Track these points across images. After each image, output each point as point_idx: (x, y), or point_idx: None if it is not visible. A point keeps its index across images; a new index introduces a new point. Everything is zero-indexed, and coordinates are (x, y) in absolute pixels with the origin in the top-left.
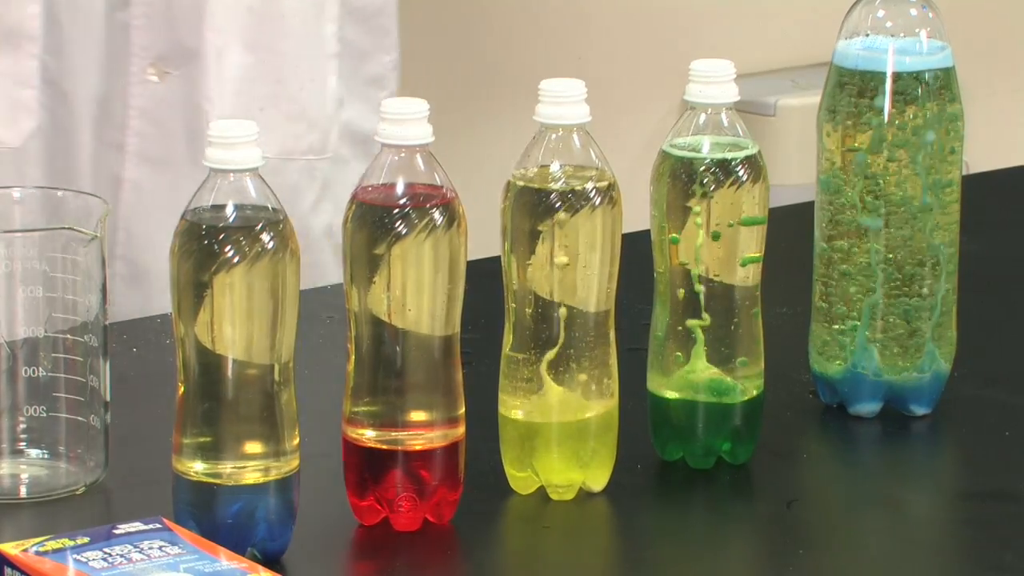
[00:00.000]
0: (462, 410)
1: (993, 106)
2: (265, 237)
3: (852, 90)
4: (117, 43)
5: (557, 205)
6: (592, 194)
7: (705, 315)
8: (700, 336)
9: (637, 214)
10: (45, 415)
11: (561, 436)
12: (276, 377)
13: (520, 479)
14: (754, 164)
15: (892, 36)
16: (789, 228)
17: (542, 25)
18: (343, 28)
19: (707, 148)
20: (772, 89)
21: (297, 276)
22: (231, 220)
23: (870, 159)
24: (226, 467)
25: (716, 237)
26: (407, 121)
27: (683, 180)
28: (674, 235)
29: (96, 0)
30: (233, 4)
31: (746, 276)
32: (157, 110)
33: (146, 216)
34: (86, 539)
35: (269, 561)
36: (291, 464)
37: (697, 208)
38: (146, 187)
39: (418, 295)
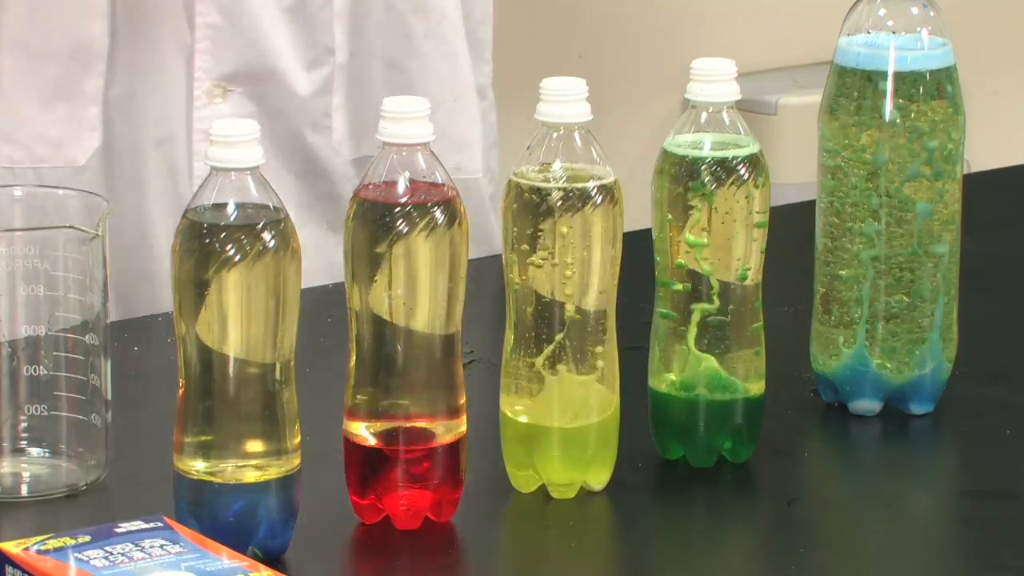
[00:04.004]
0: (463, 408)
1: (993, 106)
2: (266, 236)
3: (853, 89)
4: (180, 63)
5: (558, 204)
6: (593, 193)
7: (706, 313)
8: (701, 335)
9: (638, 213)
10: (46, 414)
11: (562, 435)
12: (277, 376)
13: (521, 478)
14: (755, 163)
15: (893, 34)
16: (790, 227)
17: (542, 25)
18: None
19: (708, 147)
20: (773, 88)
21: (298, 274)
22: (232, 219)
23: (871, 158)
24: (227, 466)
25: (717, 236)
26: (408, 119)
27: (684, 179)
28: (675, 233)
29: (161, 20)
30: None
31: (747, 274)
32: None
33: None
34: (87, 538)
35: (270, 560)
36: (292, 463)
37: (698, 207)
38: None
39: (419, 293)
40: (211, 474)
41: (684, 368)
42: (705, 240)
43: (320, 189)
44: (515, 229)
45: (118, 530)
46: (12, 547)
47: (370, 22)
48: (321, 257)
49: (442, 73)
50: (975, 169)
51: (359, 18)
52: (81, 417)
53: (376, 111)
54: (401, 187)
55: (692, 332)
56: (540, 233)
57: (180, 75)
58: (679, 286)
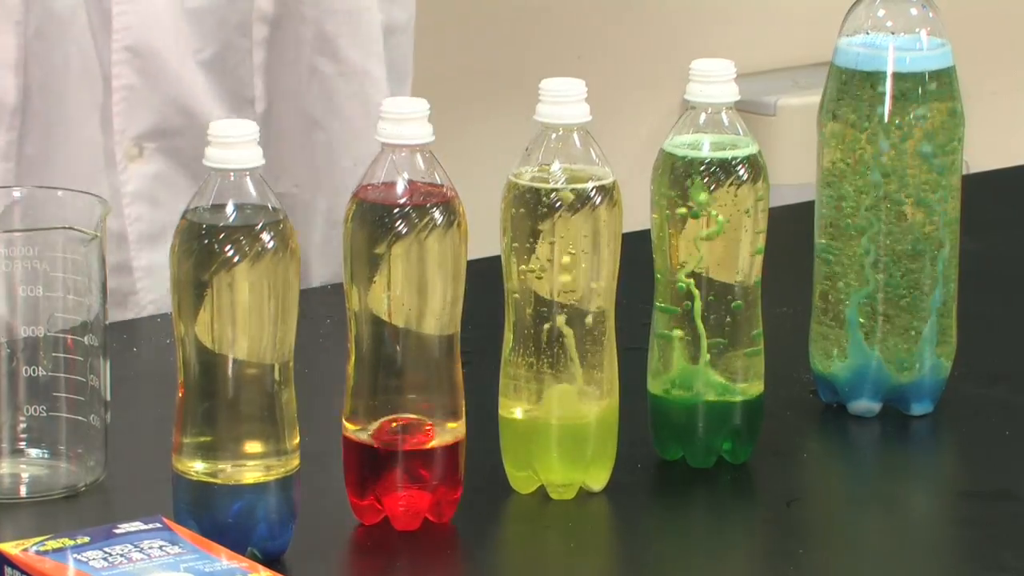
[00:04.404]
0: (462, 409)
1: (993, 106)
2: (265, 236)
3: (852, 89)
4: (95, 121)
5: (557, 205)
6: (592, 194)
7: (705, 314)
8: (701, 335)
9: (637, 214)
10: (45, 415)
11: (561, 436)
12: (276, 376)
13: (520, 478)
14: (754, 164)
15: (892, 35)
16: (789, 228)
17: (542, 25)
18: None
19: (707, 148)
20: (772, 88)
21: (297, 275)
22: (231, 219)
23: (870, 159)
24: (226, 466)
25: (716, 236)
26: (408, 120)
27: (683, 179)
28: (673, 234)
29: (76, 78)
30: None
31: (746, 275)
32: (150, 188)
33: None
34: (86, 539)
35: (269, 561)
36: (291, 463)
37: (697, 208)
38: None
39: (418, 294)
40: (210, 475)
41: (683, 369)
42: (704, 241)
43: None
44: (514, 230)
45: (117, 531)
46: (11, 548)
47: (290, 76)
48: None
49: (361, 132)
50: (974, 170)
51: (278, 73)
52: (80, 418)
53: (292, 156)
54: (400, 188)
55: (691, 333)
56: (539, 234)
57: (96, 133)
58: (678, 287)
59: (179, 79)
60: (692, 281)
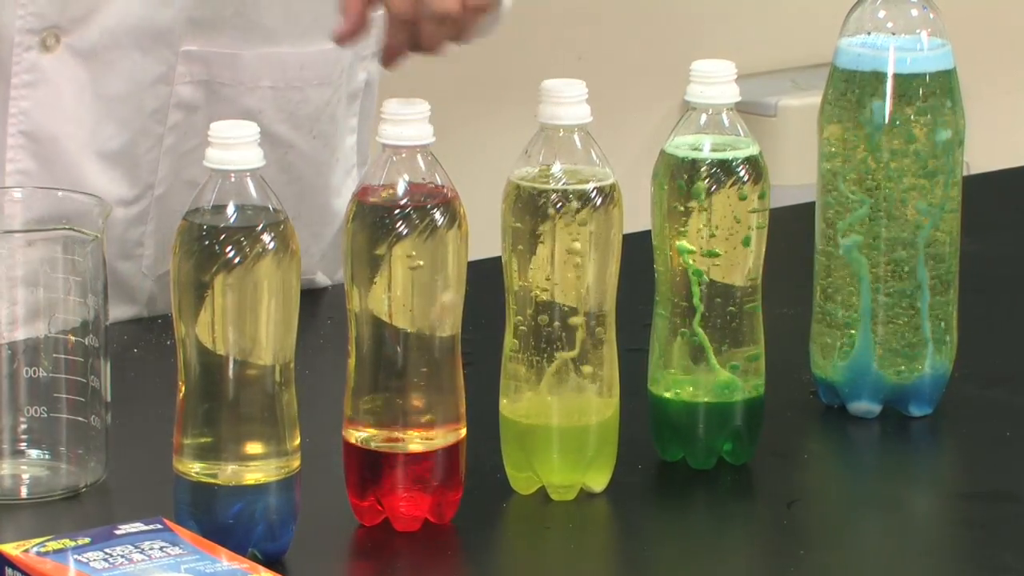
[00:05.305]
0: (463, 410)
1: (993, 106)
2: (266, 238)
3: (853, 90)
4: None
5: (558, 205)
6: (593, 194)
7: (706, 315)
8: (701, 336)
9: (637, 214)
10: (46, 416)
11: (562, 437)
12: (277, 377)
13: (521, 479)
14: (755, 164)
15: (893, 36)
16: (789, 228)
17: (542, 25)
18: None
19: (708, 148)
20: (773, 89)
21: (298, 276)
22: (232, 221)
23: (871, 159)
24: (227, 468)
25: (717, 237)
26: (408, 122)
27: (684, 180)
28: (674, 235)
29: None
30: None
31: (747, 276)
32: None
33: None
34: (87, 540)
35: (270, 561)
36: (292, 464)
37: (698, 208)
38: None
39: (419, 295)
40: (211, 476)
41: (684, 370)
42: (704, 242)
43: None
44: (515, 230)
45: (118, 532)
46: (12, 549)
47: (195, 156)
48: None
49: (283, 195)
50: (975, 170)
51: (185, 155)
52: (81, 419)
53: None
54: (401, 189)
55: (692, 334)
56: (540, 235)
57: None
58: (679, 287)
59: (78, 167)
60: (693, 282)
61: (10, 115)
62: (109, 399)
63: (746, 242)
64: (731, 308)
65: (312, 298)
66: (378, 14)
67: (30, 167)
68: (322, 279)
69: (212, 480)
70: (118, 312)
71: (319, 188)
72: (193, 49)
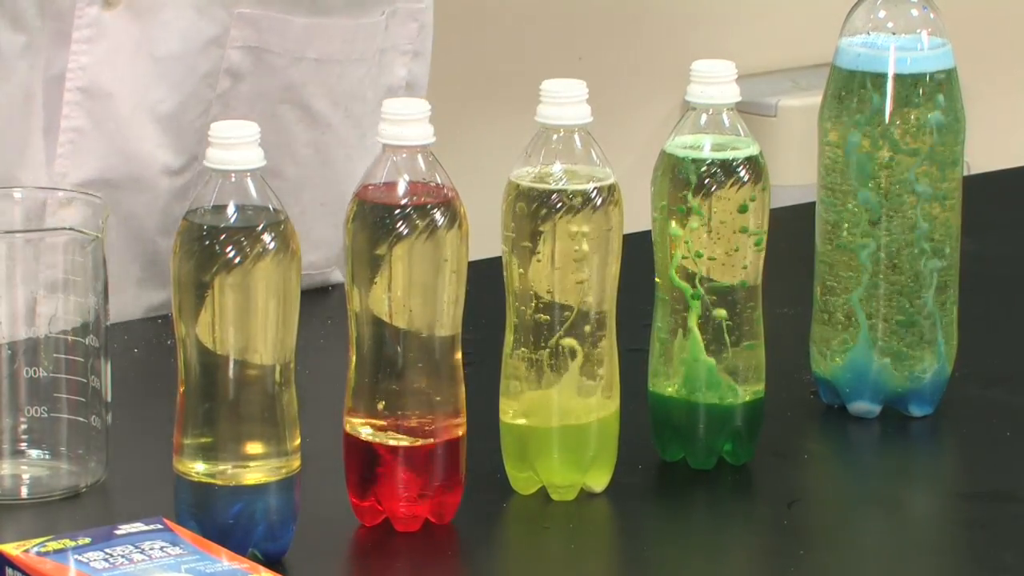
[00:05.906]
0: (463, 410)
1: (993, 106)
2: (266, 238)
3: (853, 90)
4: (40, 162)
5: (558, 206)
6: (593, 195)
7: (706, 315)
8: (701, 336)
9: (638, 214)
10: (46, 416)
11: (562, 437)
12: (277, 378)
13: (521, 479)
14: (755, 164)
15: (893, 36)
16: (790, 228)
17: (542, 25)
18: None
19: (708, 148)
20: (773, 89)
21: (298, 276)
22: (232, 221)
23: (871, 159)
24: (227, 467)
25: (717, 237)
26: (408, 121)
27: (684, 180)
28: (674, 235)
29: (19, 117)
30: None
31: (747, 276)
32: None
33: None
34: (87, 540)
35: (270, 562)
36: (292, 464)
37: (698, 209)
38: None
39: (419, 295)
40: (211, 476)
41: (684, 370)
42: (705, 242)
43: (164, 296)
44: (515, 230)
45: (118, 532)
46: (12, 549)
47: None
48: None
49: (316, 181)
50: (975, 171)
51: None
52: (81, 419)
53: None
54: (401, 189)
55: (692, 334)
56: (540, 235)
57: (40, 175)
58: (679, 288)
59: (128, 128)
60: (693, 281)
61: (68, 70)
62: (109, 399)
63: (746, 242)
64: (731, 308)
65: (312, 298)
66: (428, 14)
67: (84, 125)
68: (337, 276)
69: (212, 480)
70: (155, 298)
71: (348, 175)
72: (246, 11)
